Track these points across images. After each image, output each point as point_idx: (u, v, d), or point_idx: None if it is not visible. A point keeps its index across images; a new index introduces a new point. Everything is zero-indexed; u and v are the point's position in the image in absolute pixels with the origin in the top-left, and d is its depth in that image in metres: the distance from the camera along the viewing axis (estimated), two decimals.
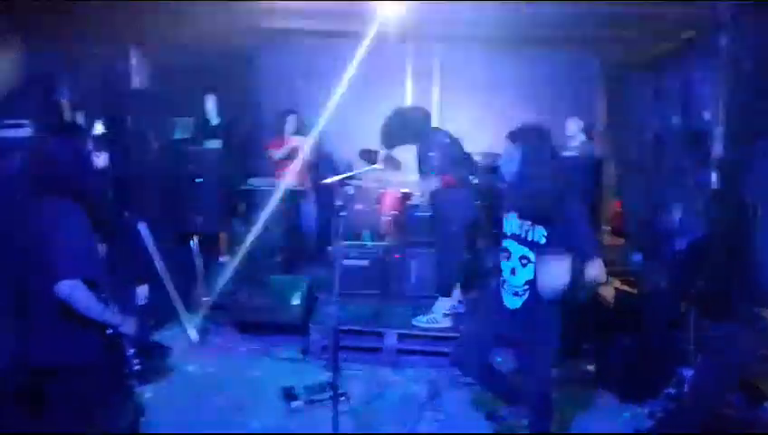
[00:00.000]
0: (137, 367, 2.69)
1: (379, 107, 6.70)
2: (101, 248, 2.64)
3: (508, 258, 2.97)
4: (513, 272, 2.94)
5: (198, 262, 5.06)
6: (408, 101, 6.87)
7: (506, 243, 2.98)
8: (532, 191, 2.81)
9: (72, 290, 2.35)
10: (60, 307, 2.37)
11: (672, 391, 3.45)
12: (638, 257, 5.15)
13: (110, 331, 2.52)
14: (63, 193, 2.47)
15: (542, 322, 2.89)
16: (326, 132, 6.67)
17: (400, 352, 4.48)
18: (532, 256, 2.86)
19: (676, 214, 4.56)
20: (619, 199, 6.07)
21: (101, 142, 4.25)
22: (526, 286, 2.91)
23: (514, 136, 2.91)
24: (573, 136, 6.29)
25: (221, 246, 6.11)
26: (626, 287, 4.46)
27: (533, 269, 2.87)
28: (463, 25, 5.99)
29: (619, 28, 5.50)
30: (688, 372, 3.32)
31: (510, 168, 2.92)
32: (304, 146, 6.04)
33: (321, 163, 6.47)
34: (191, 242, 5.03)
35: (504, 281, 3.00)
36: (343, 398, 3.64)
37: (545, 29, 5.83)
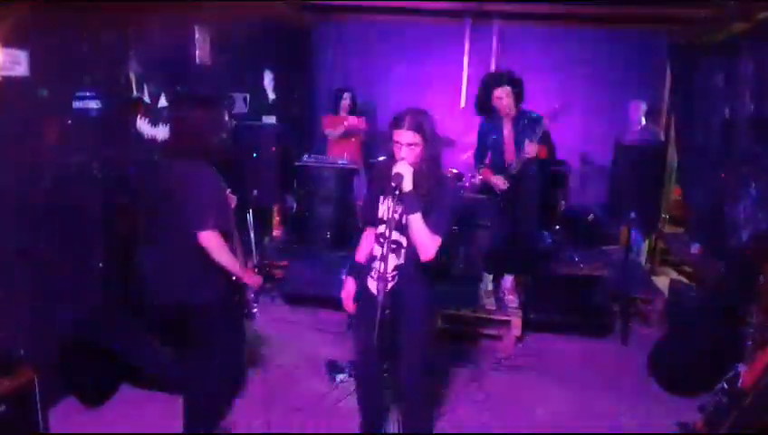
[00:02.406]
0: (255, 310, 3.23)
1: (435, 85, 6.72)
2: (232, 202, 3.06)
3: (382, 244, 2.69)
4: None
5: (252, 234, 5.20)
6: (465, 80, 6.77)
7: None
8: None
9: (211, 240, 2.74)
10: (198, 255, 2.75)
11: (726, 386, 3.33)
12: (696, 248, 4.96)
13: (233, 278, 2.90)
14: (198, 155, 2.84)
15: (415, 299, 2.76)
16: (381, 110, 6.71)
17: (444, 332, 4.51)
18: (404, 240, 2.70)
19: (742, 205, 4.35)
20: (679, 187, 5.84)
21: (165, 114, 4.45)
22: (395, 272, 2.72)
23: (402, 122, 2.62)
24: (637, 120, 6.08)
25: (274, 220, 6.27)
26: (682, 278, 4.31)
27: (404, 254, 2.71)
28: (523, 1, 5.84)
29: (689, 6, 5.24)
30: (744, 368, 3.20)
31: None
32: (360, 125, 6.08)
33: (375, 141, 6.49)
34: (246, 215, 5.17)
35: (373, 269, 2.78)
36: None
37: (610, 6, 5.61)
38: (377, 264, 2.68)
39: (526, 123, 4.42)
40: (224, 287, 2.91)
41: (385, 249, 2.55)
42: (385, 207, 2.71)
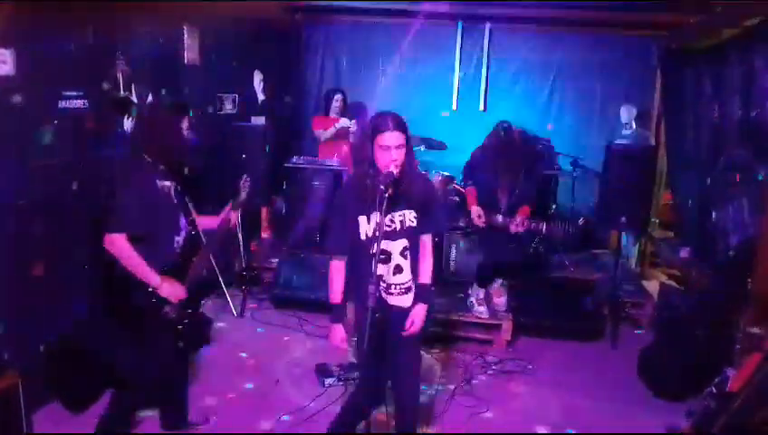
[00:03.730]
0: (179, 328, 2.88)
1: (426, 88, 6.71)
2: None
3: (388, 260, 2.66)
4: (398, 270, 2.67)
5: (240, 237, 5.16)
6: (456, 82, 6.76)
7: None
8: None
9: (113, 242, 2.65)
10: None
11: (714, 390, 3.34)
12: (685, 252, 4.98)
13: (150, 289, 2.73)
14: (139, 155, 2.79)
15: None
16: (371, 112, 6.67)
17: (434, 334, 4.49)
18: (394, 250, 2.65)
19: (731, 210, 4.37)
20: (669, 191, 5.86)
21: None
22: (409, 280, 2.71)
23: (387, 124, 2.55)
24: (627, 123, 6.11)
25: (262, 223, 6.22)
26: (672, 282, 4.33)
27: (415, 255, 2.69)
28: (514, 5, 5.85)
29: (679, 12, 5.27)
30: (732, 373, 3.20)
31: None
32: (351, 127, 6.05)
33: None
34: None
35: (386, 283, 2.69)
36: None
37: (601, 11, 5.63)
38: (377, 277, 2.53)
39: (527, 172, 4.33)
40: (140, 294, 2.74)
41: (374, 263, 2.46)
42: (372, 226, 2.59)
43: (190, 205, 2.96)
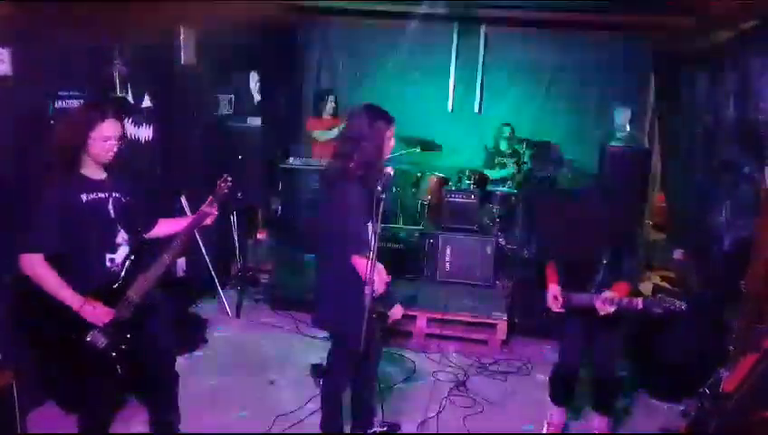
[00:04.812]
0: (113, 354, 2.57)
1: (422, 90, 6.72)
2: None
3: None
4: None
5: (236, 237, 5.16)
6: (452, 83, 6.78)
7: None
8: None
9: (25, 263, 2.44)
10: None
11: (708, 390, 3.36)
12: (679, 254, 5.00)
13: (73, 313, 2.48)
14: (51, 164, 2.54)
15: None
16: None
17: (429, 336, 4.50)
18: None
19: (724, 212, 4.40)
20: (663, 193, 5.89)
21: (149, 115, 4.40)
22: None
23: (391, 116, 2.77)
24: (622, 126, 6.14)
25: (258, 223, 6.22)
26: (665, 284, 4.35)
27: None
28: (510, 7, 5.87)
29: (674, 15, 5.30)
30: (726, 373, 3.22)
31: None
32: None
33: None
34: (230, 217, 5.13)
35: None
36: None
37: (596, 14, 5.66)
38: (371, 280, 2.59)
39: None
40: (61, 319, 2.49)
41: (370, 264, 2.54)
42: (369, 225, 2.67)
43: (133, 219, 2.69)
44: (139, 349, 2.64)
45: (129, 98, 4.11)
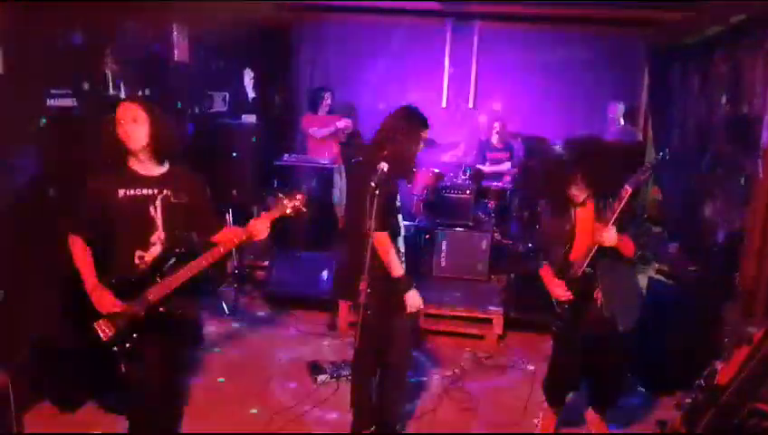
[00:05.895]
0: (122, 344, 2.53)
1: (416, 85, 6.72)
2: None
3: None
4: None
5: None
6: (446, 80, 6.78)
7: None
8: None
9: (69, 241, 2.57)
10: None
11: (703, 383, 3.38)
12: (673, 247, 5.03)
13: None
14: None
15: None
16: (360, 110, 6.68)
17: (425, 331, 4.51)
18: None
19: (717, 205, 4.43)
20: (657, 187, 5.92)
21: None
22: None
23: None
24: (615, 120, 6.16)
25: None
26: (660, 277, 4.37)
27: None
28: (504, 2, 5.88)
29: (666, 9, 5.31)
30: (720, 365, 3.24)
31: None
32: (349, 125, 6.04)
33: (355, 140, 6.48)
34: (225, 215, 5.12)
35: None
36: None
37: (589, 9, 5.67)
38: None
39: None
40: (80, 300, 2.53)
41: (367, 259, 2.59)
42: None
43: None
44: (145, 356, 2.55)
45: (122, 95, 4.09)
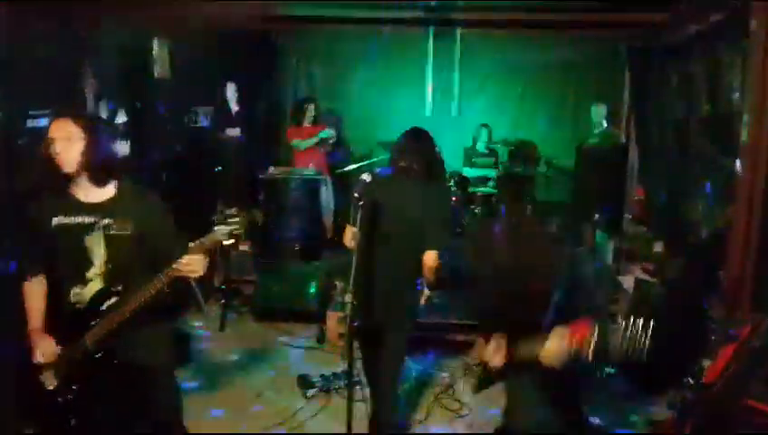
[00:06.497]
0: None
1: (400, 94, 6.74)
2: None
3: None
4: None
5: (218, 249, 5.10)
6: (429, 88, 6.80)
7: None
8: None
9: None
10: None
11: (691, 381, 3.39)
12: (658, 246, 5.05)
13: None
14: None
15: None
16: (345, 120, 6.69)
17: (415, 341, 4.48)
18: None
19: (700, 203, 4.46)
20: (641, 187, 5.95)
21: (123, 130, 4.36)
22: None
23: None
24: (598, 122, 6.19)
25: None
26: (646, 276, 4.39)
27: None
28: (485, 9, 5.91)
29: (646, 11, 5.36)
30: (707, 363, 3.25)
31: None
32: (330, 137, 6.04)
33: (339, 151, 6.50)
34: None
35: None
36: (358, 386, 3.66)
37: (569, 13, 5.71)
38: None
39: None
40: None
41: (353, 272, 2.65)
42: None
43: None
44: (97, 411, 2.25)
45: (103, 114, 4.07)
